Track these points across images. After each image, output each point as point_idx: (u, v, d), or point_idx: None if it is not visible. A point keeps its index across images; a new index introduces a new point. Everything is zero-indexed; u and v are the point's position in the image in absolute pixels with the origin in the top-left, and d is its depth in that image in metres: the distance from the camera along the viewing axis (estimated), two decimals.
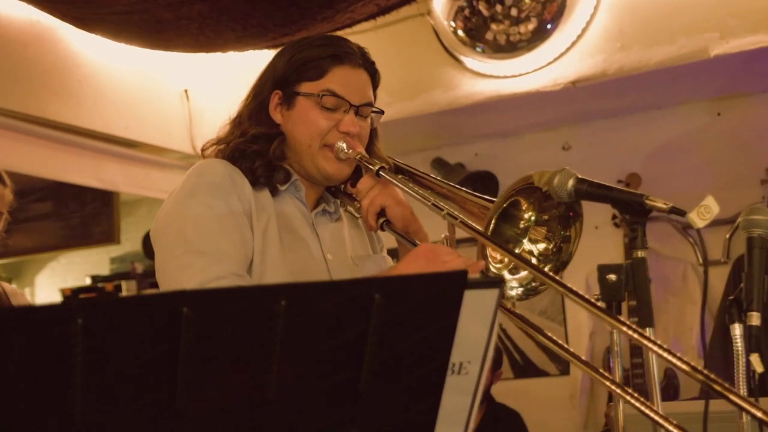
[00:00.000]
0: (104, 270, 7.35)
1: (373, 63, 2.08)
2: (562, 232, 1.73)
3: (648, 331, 1.39)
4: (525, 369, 5.80)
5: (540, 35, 4.79)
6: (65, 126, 4.77)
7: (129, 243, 7.13)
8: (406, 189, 1.90)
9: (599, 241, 5.10)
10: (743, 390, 1.51)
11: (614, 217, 5.31)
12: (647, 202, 1.42)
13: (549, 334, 1.60)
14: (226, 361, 0.92)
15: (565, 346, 1.56)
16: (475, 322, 1.08)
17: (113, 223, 6.65)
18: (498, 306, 1.09)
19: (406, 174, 2.07)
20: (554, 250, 1.73)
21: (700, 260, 5.31)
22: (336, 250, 2.05)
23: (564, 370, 5.73)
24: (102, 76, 4.97)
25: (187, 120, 5.47)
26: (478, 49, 4.93)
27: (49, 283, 7.57)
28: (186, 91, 5.49)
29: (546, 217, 1.74)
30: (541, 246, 1.75)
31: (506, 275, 1.75)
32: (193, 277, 1.74)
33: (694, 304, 5.30)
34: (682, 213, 1.40)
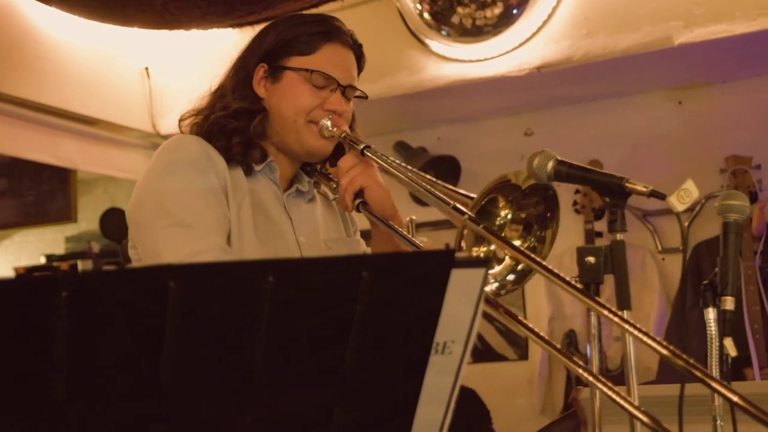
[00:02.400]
0: (59, 249, 7.25)
1: (361, 46, 2.10)
2: (538, 233, 1.73)
3: (625, 314, 1.40)
4: (483, 353, 5.83)
5: (506, 20, 4.79)
6: (22, 101, 4.69)
7: (85, 222, 7.05)
8: (392, 170, 1.88)
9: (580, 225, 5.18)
10: (716, 373, 1.52)
11: (575, 203, 5.35)
12: (627, 185, 1.42)
13: (524, 320, 1.58)
14: (212, 338, 0.91)
15: (541, 334, 1.54)
16: (461, 301, 1.07)
17: (70, 201, 6.56)
18: (484, 285, 1.09)
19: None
20: (528, 249, 1.73)
21: (659, 247, 5.37)
22: (309, 233, 2.04)
23: (522, 354, 5.77)
24: (61, 51, 4.90)
25: (148, 98, 5.40)
26: (444, 33, 4.92)
27: (1, 261, 7.46)
28: (147, 68, 5.43)
29: (523, 215, 1.74)
30: (517, 243, 1.75)
31: None
32: (181, 249, 1.72)
33: (652, 291, 5.36)
34: (662, 196, 1.40)
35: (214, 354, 0.91)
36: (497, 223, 1.77)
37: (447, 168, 5.69)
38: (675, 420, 1.48)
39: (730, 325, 1.52)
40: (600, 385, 1.32)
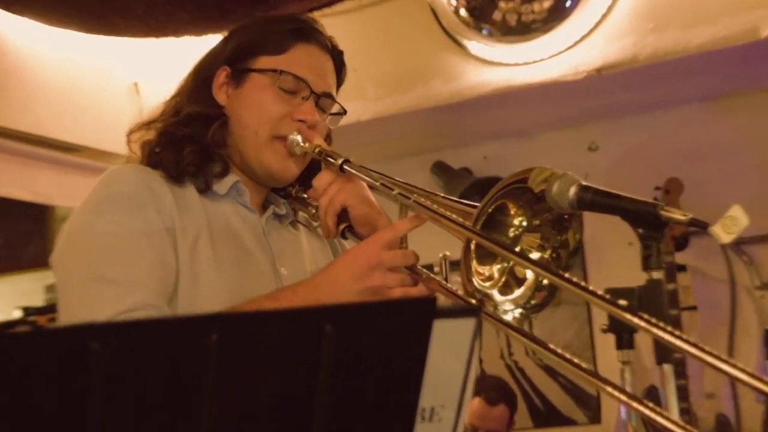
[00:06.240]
0: (37, 300, 7.32)
1: (341, 53, 2.10)
2: (558, 237, 1.74)
3: (665, 368, 1.40)
4: (547, 416, 5.80)
5: (557, 14, 4.81)
6: None
7: None
8: (378, 185, 1.88)
9: (633, 259, 5.11)
10: None
11: None
12: (662, 212, 1.44)
13: (571, 357, 1.55)
14: (145, 408, 0.94)
15: (597, 373, 1.51)
16: (448, 358, 1.10)
17: (48, 243, 6.63)
18: (476, 338, 1.11)
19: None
20: (551, 259, 1.74)
21: (757, 282, 5.32)
22: (292, 263, 2.05)
23: (594, 417, 5.73)
24: (34, 67, 4.96)
25: (137, 119, 5.47)
26: (484, 32, 4.96)
27: None
28: (136, 84, 5.50)
29: (538, 222, 1.76)
30: (535, 256, 1.76)
31: (496, 295, 1.75)
32: (101, 311, 1.72)
33: (748, 336, 5.31)
34: (704, 226, 1.41)
35: (147, 427, 0.94)
36: (511, 234, 1.78)
37: None
38: None
39: None
40: None
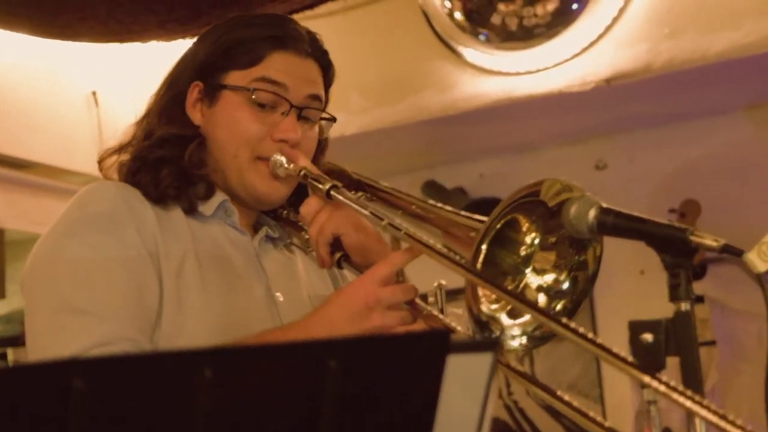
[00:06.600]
0: None
1: (325, 53, 2.09)
2: (576, 257, 1.75)
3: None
4: None
5: (563, 18, 4.84)
6: None
7: (17, 297, 7.09)
8: (369, 214, 1.88)
9: (646, 288, 5.14)
10: None
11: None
12: (692, 238, 1.44)
13: (575, 404, 1.57)
14: None
15: (600, 420, 1.53)
16: (463, 397, 1.10)
17: None
18: (493, 375, 1.12)
19: (366, 189, 2.08)
20: (567, 280, 1.75)
21: None
22: (288, 288, 2.05)
23: None
24: None
25: (96, 131, 5.47)
26: (482, 37, 4.98)
27: None
28: (94, 93, 5.50)
29: (553, 240, 1.76)
30: (550, 277, 1.77)
31: (504, 319, 1.76)
32: (68, 345, 1.72)
33: None
34: (738, 253, 1.42)
35: None
36: (522, 252, 1.79)
37: None
38: None
39: None
40: None
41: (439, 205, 1.92)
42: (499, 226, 1.76)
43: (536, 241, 1.79)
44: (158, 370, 0.95)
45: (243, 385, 0.98)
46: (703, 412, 1.21)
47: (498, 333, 1.74)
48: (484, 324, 1.75)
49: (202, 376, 0.94)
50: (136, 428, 0.94)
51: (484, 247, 1.76)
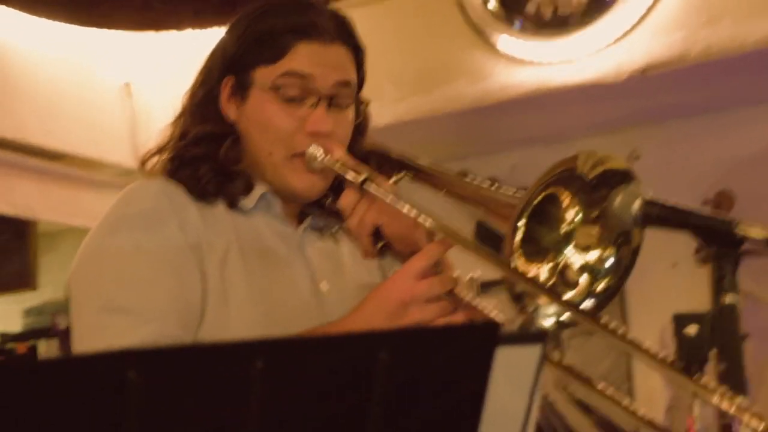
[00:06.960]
0: (15, 326, 7.34)
1: (352, 34, 2.06)
2: (620, 229, 1.73)
3: None
4: None
5: (598, 6, 4.83)
6: None
7: (49, 288, 7.12)
8: (400, 209, 1.87)
9: (679, 282, 5.12)
10: None
11: (698, 250, 5.32)
12: (739, 229, 1.44)
13: (610, 391, 1.56)
14: None
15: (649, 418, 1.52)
16: (510, 390, 1.11)
17: (28, 262, 6.64)
18: (541, 367, 1.12)
19: (408, 168, 2.07)
20: (612, 255, 1.73)
21: None
22: (333, 277, 2.04)
23: None
24: (14, 63, 4.99)
25: (129, 123, 5.49)
26: (516, 26, 4.97)
27: None
28: (128, 84, 5.53)
29: (596, 214, 1.76)
30: (594, 254, 1.76)
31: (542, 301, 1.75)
32: (111, 345, 1.71)
33: None
34: None
35: None
36: (563, 229, 1.78)
37: None
38: None
39: None
40: None
41: (477, 181, 1.92)
42: (537, 201, 1.75)
43: (579, 216, 1.78)
44: (210, 361, 0.96)
45: (294, 376, 0.99)
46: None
47: (532, 309, 1.74)
48: (519, 296, 1.74)
49: (253, 367, 0.95)
50: (188, 419, 0.95)
51: (521, 223, 1.76)
